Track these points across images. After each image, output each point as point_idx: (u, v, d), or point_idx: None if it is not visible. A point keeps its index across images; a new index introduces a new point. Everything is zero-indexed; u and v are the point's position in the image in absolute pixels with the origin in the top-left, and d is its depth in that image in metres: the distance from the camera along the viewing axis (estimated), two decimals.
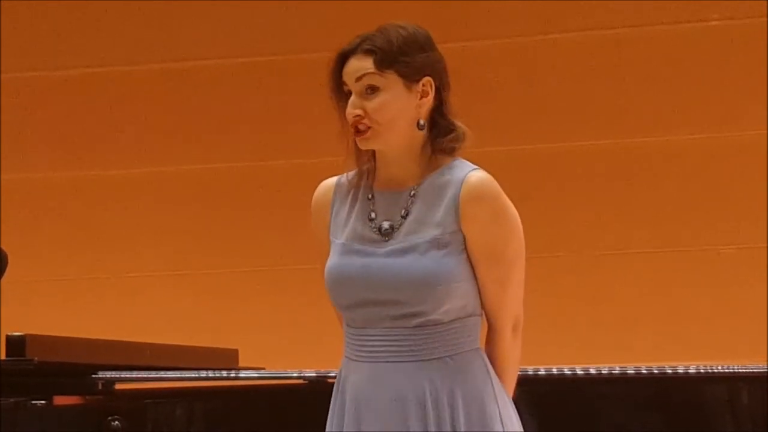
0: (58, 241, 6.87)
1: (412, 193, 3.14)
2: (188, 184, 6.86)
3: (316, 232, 3.24)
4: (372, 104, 3.09)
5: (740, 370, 4.11)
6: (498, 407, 3.13)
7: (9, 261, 3.46)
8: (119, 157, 6.92)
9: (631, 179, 6.52)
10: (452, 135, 3.16)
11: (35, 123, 7.01)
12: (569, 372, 4.09)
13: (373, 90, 3.09)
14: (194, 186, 6.85)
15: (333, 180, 3.24)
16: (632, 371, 4.08)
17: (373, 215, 3.15)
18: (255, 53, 6.72)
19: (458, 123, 3.17)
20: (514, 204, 5.90)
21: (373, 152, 3.17)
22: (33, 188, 6.95)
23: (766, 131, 6.36)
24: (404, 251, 3.09)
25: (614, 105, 6.52)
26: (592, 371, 4.08)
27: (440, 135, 3.16)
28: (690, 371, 4.09)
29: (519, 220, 3.18)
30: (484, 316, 3.17)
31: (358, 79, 3.09)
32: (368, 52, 3.10)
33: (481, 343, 3.17)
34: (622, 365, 4.15)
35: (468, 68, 6.50)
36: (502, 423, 3.12)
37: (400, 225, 3.12)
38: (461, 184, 3.11)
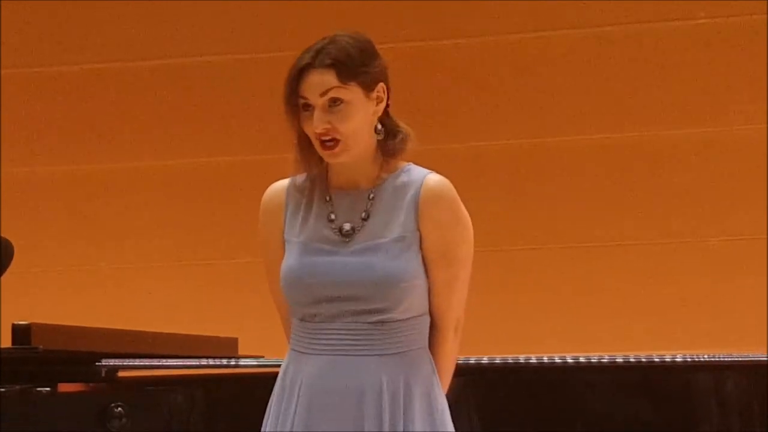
0: (61, 233, 6.88)
1: (371, 195, 3.17)
2: (189, 178, 6.87)
3: (266, 232, 3.26)
4: (338, 117, 3.09)
5: (725, 359, 4.13)
6: (441, 402, 3.17)
7: (15, 252, 3.47)
8: (121, 151, 6.94)
9: (622, 173, 6.53)
10: (400, 136, 3.17)
11: (38, 117, 7.02)
12: (560, 360, 4.10)
13: (336, 103, 3.09)
14: (194, 179, 6.86)
15: (284, 182, 3.26)
16: (621, 359, 4.09)
17: (332, 216, 3.17)
18: (255, 50, 6.74)
19: (401, 123, 3.19)
20: (511, 195, 5.90)
21: (321, 159, 3.18)
22: (36, 181, 6.97)
23: (755, 125, 6.37)
24: (368, 250, 3.12)
25: (606, 100, 6.54)
26: (582, 360, 4.09)
27: (389, 137, 3.17)
28: (677, 360, 4.11)
29: (470, 223, 3.19)
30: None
31: (323, 93, 3.08)
32: (329, 66, 3.09)
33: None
34: (611, 354, 4.16)
35: (462, 64, 6.52)
36: (445, 418, 3.16)
37: (361, 227, 3.14)
38: (420, 186, 3.13)
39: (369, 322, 3.13)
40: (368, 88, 3.13)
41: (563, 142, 6.55)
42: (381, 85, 3.15)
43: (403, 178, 3.16)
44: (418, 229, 3.13)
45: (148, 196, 6.92)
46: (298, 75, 3.11)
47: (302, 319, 3.17)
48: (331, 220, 3.16)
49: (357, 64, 3.11)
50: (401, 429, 3.09)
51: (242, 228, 6.62)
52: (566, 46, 6.59)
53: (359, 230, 3.14)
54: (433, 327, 3.20)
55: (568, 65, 6.59)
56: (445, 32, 6.41)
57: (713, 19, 6.45)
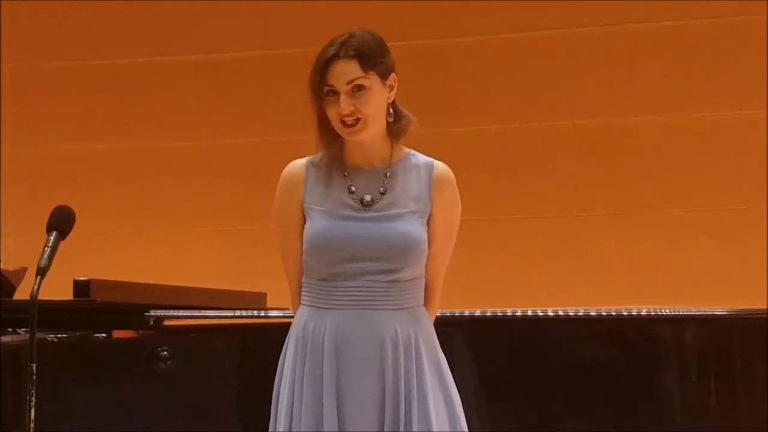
0: (117, 203, 6.90)
1: (387, 173, 3.19)
2: (224, 156, 6.88)
3: (285, 203, 3.28)
4: (361, 101, 3.11)
5: (684, 313, 4.12)
6: (440, 351, 3.20)
7: (75, 218, 3.46)
8: (168, 133, 6.93)
9: (594, 154, 6.52)
10: (405, 120, 3.19)
11: (101, 104, 7.02)
12: (541, 314, 4.09)
13: (359, 89, 3.11)
14: (229, 157, 6.87)
15: (303, 160, 3.27)
16: (593, 313, 4.08)
17: (353, 189, 3.18)
18: (274, 47, 6.75)
19: (405, 110, 3.21)
20: (500, 171, 5.87)
21: (339, 139, 3.19)
22: (94, 157, 6.98)
23: (710, 113, 6.36)
24: (389, 218, 3.14)
25: (580, 92, 6.52)
26: (560, 313, 4.09)
27: (396, 120, 3.19)
28: (642, 313, 4.10)
29: None
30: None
31: (349, 82, 3.10)
32: (353, 57, 3.11)
33: None
34: (585, 308, 4.15)
35: (459, 60, 6.50)
36: (445, 364, 3.19)
37: (380, 198, 3.16)
38: (432, 168, 3.19)
39: (384, 281, 3.14)
40: (384, 77, 3.15)
41: (544, 126, 6.55)
42: (393, 75, 3.17)
43: (413, 161, 3.20)
44: (430, 205, 3.16)
45: (190, 170, 6.92)
46: (325, 65, 3.12)
47: (324, 279, 3.16)
48: (352, 192, 3.17)
49: (376, 56, 3.13)
50: (414, 375, 3.11)
51: (270, 198, 6.61)
52: (547, 45, 6.57)
53: (378, 201, 3.16)
54: (425, 288, 3.23)
55: (550, 61, 6.57)
56: (446, 32, 6.39)
57: (676, 21, 6.44)
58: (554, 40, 6.55)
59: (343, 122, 3.11)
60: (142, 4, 6.97)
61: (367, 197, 3.16)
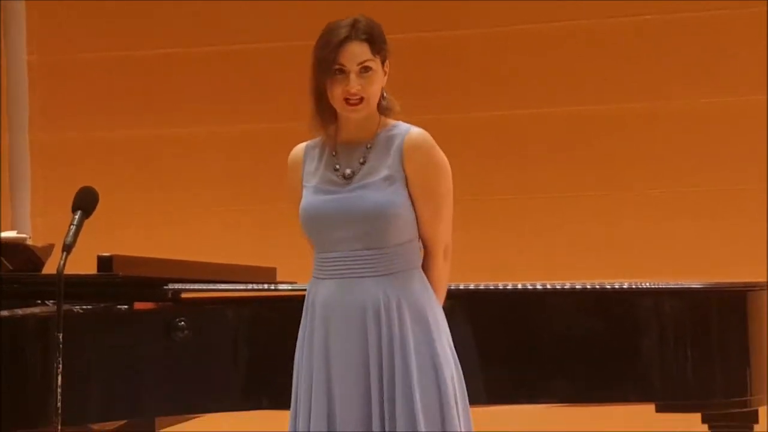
0: (140, 184, 6.90)
1: (369, 146, 3.18)
2: (240, 141, 6.88)
3: (291, 182, 3.29)
4: (367, 81, 3.12)
5: (663, 286, 4.12)
6: (431, 313, 3.15)
7: (99, 197, 3.46)
8: (186, 120, 6.93)
9: (579, 138, 6.52)
10: (391, 102, 3.20)
11: (120, 94, 7.01)
12: (530, 286, 4.09)
13: (366, 70, 3.12)
14: (245, 142, 6.86)
15: (303, 144, 3.29)
16: (579, 286, 4.08)
17: (337, 166, 3.18)
18: (288, 39, 6.72)
19: (388, 93, 3.21)
20: (494, 155, 5.86)
21: (336, 117, 3.19)
22: (120, 143, 6.98)
23: (683, 100, 6.36)
24: (362, 187, 3.14)
25: (567, 82, 6.51)
26: (548, 286, 4.09)
27: (385, 103, 3.21)
28: (624, 286, 4.10)
29: (448, 166, 3.19)
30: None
31: (360, 63, 3.11)
32: (364, 40, 3.13)
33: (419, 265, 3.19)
34: (572, 281, 4.16)
35: (457, 53, 6.49)
36: (434, 325, 3.15)
37: (359, 170, 3.16)
38: (405, 136, 3.15)
39: (364, 249, 3.13)
40: (383, 62, 3.17)
41: (537, 113, 6.54)
42: (388, 61, 3.19)
43: (393, 131, 3.18)
44: (403, 170, 3.13)
45: (205, 154, 6.92)
46: (339, 45, 3.12)
47: (318, 251, 3.19)
48: (336, 169, 3.18)
49: (381, 42, 3.16)
50: (398, 339, 3.09)
51: (278, 180, 6.61)
52: (539, 38, 6.56)
53: (357, 173, 3.16)
54: (426, 253, 3.21)
55: (543, 53, 6.56)
56: (444, 26, 6.38)
57: (655, 16, 6.42)
58: (546, 34, 6.54)
59: (346, 100, 3.11)
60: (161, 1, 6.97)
61: (348, 171, 3.17)
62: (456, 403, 3.13)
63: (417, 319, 3.12)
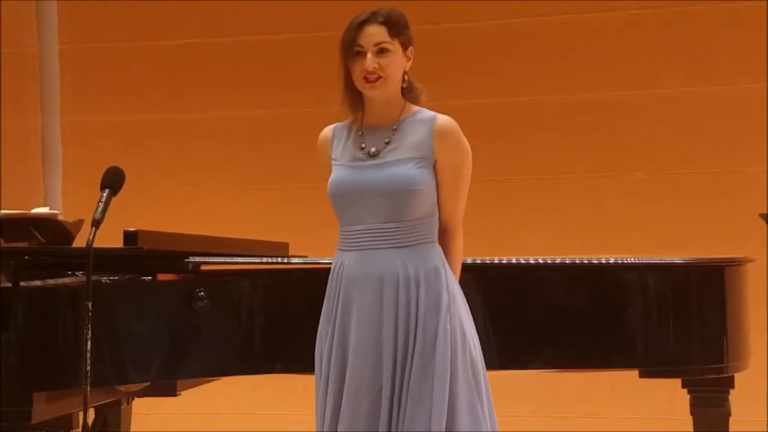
0: (163, 165, 6.91)
1: (395, 127, 3.17)
2: (255, 125, 6.89)
3: (321, 160, 3.26)
4: (384, 61, 3.12)
5: (646, 261, 4.11)
6: (447, 285, 3.13)
7: (126, 177, 3.46)
8: (206, 105, 6.94)
9: (571, 125, 6.53)
10: (417, 90, 3.20)
11: (144, 81, 7.02)
12: (524, 261, 4.09)
13: (383, 51, 3.11)
14: (259, 126, 6.87)
15: (332, 125, 3.26)
16: (569, 261, 4.08)
17: (363, 145, 3.17)
18: (305, 30, 6.73)
19: (417, 82, 3.22)
20: (494, 141, 5.84)
21: (362, 100, 3.18)
22: (144, 126, 6.99)
23: (667, 89, 6.35)
24: (387, 164, 3.13)
25: (559, 71, 6.50)
26: (540, 261, 4.08)
27: (410, 90, 3.21)
28: (610, 261, 4.10)
29: (470, 150, 3.19)
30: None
31: (377, 44, 3.11)
32: (382, 24, 3.13)
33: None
34: (562, 257, 4.15)
35: (455, 45, 6.48)
36: (450, 296, 3.12)
37: (384, 149, 3.15)
38: (434, 121, 3.15)
39: (385, 222, 3.11)
40: (404, 47, 3.16)
41: (531, 100, 6.54)
42: (411, 48, 3.18)
43: (419, 116, 3.17)
44: (433, 153, 3.13)
45: (224, 137, 6.93)
46: (358, 27, 3.13)
47: (342, 224, 3.17)
48: (362, 148, 3.17)
49: (400, 27, 3.15)
50: (414, 304, 3.08)
51: (292, 162, 6.63)
52: (534, 30, 6.56)
53: (382, 152, 3.15)
54: (445, 230, 3.19)
55: (536, 44, 6.56)
56: (444, 18, 6.36)
57: (643, 10, 6.41)
58: (539, 27, 6.53)
59: (366, 78, 3.11)
60: None
61: (373, 149, 3.16)
62: (470, 366, 3.11)
63: (433, 289, 3.10)
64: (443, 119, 3.17)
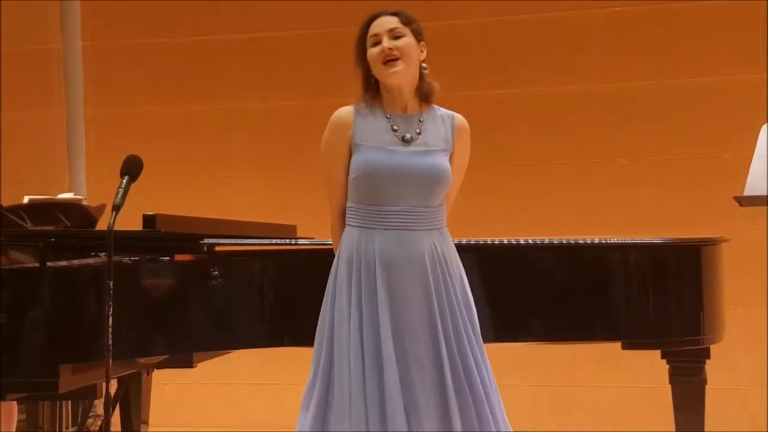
0: (180, 152, 6.90)
1: (420, 119, 3.18)
2: (265, 116, 6.87)
3: (335, 141, 3.18)
4: (400, 42, 3.12)
5: (628, 242, 4.10)
6: (459, 263, 3.21)
7: (143, 165, 3.45)
8: (220, 98, 6.92)
9: (558, 116, 6.51)
10: (432, 84, 3.21)
11: (162, 75, 7.00)
12: (515, 242, 4.08)
13: (398, 37, 3.12)
14: (268, 117, 6.86)
15: (350, 107, 3.20)
16: (556, 241, 4.07)
17: (395, 128, 3.15)
18: (314, 27, 6.71)
19: (430, 77, 3.22)
20: (487, 130, 5.77)
21: (377, 87, 3.17)
22: (161, 118, 6.97)
23: (643, 81, 6.34)
24: (425, 153, 3.14)
25: (548, 65, 6.49)
26: (530, 241, 4.08)
27: (424, 84, 3.21)
28: (594, 241, 4.09)
29: None
30: None
31: (390, 30, 3.12)
32: (394, 15, 3.16)
33: None
34: (550, 237, 4.15)
35: (451, 41, 6.46)
36: (463, 273, 3.21)
37: (417, 137, 3.15)
38: (454, 118, 3.20)
39: (421, 206, 3.11)
40: (416, 38, 3.17)
41: (522, 93, 6.53)
42: (423, 43, 3.19)
43: (440, 112, 3.22)
44: (452, 147, 3.19)
45: (236, 128, 6.91)
46: (370, 20, 3.17)
47: (371, 203, 3.10)
48: (395, 131, 3.15)
49: (410, 19, 3.17)
50: (448, 279, 3.12)
51: (298, 151, 6.62)
52: (522, 28, 6.54)
53: (415, 139, 3.14)
54: None
55: (526, 41, 6.55)
56: (442, 15, 6.34)
57: (624, 7, 6.40)
58: (528, 24, 6.52)
59: (385, 61, 3.10)
60: None
61: (407, 135, 3.14)
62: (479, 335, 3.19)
63: (454, 266, 3.17)
64: (461, 118, 3.24)
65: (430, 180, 3.11)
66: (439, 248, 3.12)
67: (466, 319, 3.13)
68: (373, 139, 3.14)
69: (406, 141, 3.14)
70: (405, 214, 3.10)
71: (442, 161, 3.14)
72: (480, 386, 3.07)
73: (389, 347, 3.01)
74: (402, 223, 3.10)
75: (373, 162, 3.10)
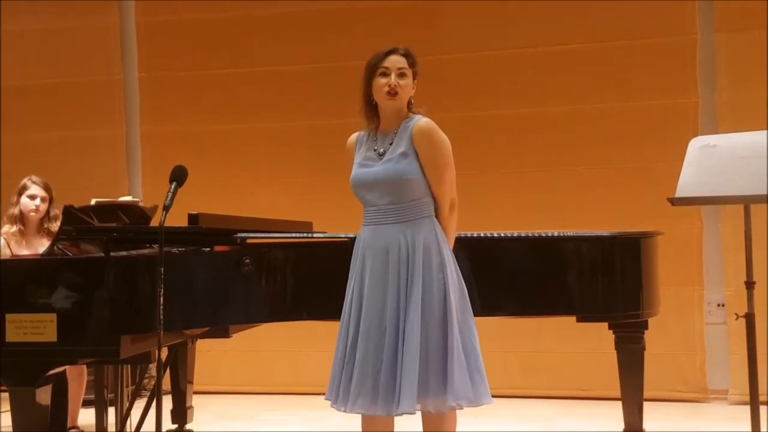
0: (219, 163, 6.89)
1: (395, 132, 3.20)
2: (287, 134, 6.86)
3: (348, 157, 3.29)
4: (403, 82, 3.16)
5: (582, 234, 4.09)
6: (437, 249, 3.15)
7: (189, 173, 3.47)
8: (251, 119, 6.91)
9: (527, 132, 6.50)
10: (413, 109, 3.23)
11: (205, 101, 6.98)
12: (489, 235, 4.07)
13: (402, 75, 3.15)
14: (290, 135, 6.85)
15: (356, 134, 3.28)
16: (523, 235, 4.05)
17: (375, 147, 3.20)
18: (324, 61, 6.69)
19: (415, 106, 3.23)
20: (466, 144, 5.73)
21: (378, 112, 3.20)
22: (204, 135, 6.96)
23: (595, 106, 6.32)
24: (388, 161, 3.15)
25: (518, 92, 6.47)
26: (502, 234, 4.05)
27: (411, 108, 3.23)
28: (555, 234, 4.06)
29: (448, 143, 3.17)
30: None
31: (399, 68, 3.16)
32: (404, 55, 3.18)
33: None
34: (518, 231, 4.14)
35: (440, 73, 6.46)
36: (438, 257, 3.14)
37: (388, 149, 3.17)
38: (414, 123, 3.17)
39: (388, 204, 3.14)
40: (414, 77, 3.20)
41: (495, 114, 6.52)
42: (416, 80, 3.22)
43: (410, 121, 3.19)
44: (414, 148, 3.14)
45: (263, 143, 6.91)
46: (385, 55, 3.17)
47: (364, 206, 3.21)
48: (375, 150, 3.20)
49: (414, 61, 3.20)
50: (411, 266, 3.10)
51: (315, 160, 6.61)
52: (497, 62, 6.54)
53: (387, 151, 3.17)
54: (436, 207, 3.21)
55: (501, 72, 6.53)
56: (437, 51, 6.35)
57: (580, 45, 6.39)
58: (502, 58, 6.51)
59: (388, 92, 3.14)
60: (237, 31, 6.94)
61: (381, 150, 3.19)
62: (455, 310, 3.12)
63: (425, 252, 3.11)
64: (421, 121, 3.17)
65: (389, 181, 3.12)
66: (408, 238, 3.11)
67: (429, 296, 3.08)
68: (360, 156, 3.23)
69: (380, 155, 3.18)
70: (378, 212, 3.16)
71: (402, 165, 3.12)
72: (416, 349, 3.03)
73: (356, 319, 3.14)
74: (376, 219, 3.16)
75: (355, 176, 3.22)
